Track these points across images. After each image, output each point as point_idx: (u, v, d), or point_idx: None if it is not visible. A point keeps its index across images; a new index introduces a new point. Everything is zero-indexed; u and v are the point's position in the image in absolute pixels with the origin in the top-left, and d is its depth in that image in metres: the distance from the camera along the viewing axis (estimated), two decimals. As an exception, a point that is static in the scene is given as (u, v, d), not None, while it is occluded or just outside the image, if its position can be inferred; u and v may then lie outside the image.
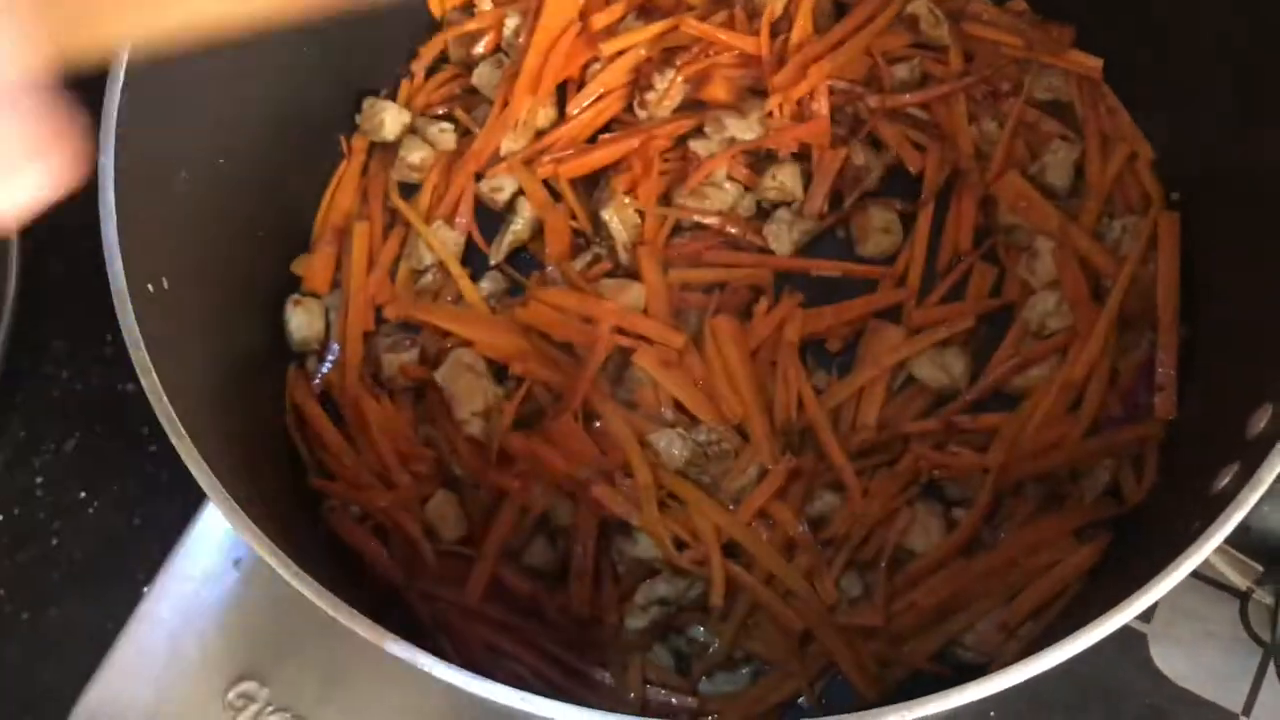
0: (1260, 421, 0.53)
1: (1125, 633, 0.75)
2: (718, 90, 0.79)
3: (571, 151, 0.80)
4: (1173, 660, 0.74)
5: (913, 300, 0.75)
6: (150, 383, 0.56)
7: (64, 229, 0.84)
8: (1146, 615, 0.75)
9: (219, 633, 0.75)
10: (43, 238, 0.85)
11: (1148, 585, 0.47)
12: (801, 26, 0.79)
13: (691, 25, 0.79)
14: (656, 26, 0.80)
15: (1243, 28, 0.65)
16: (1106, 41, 0.77)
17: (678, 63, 0.79)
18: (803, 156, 0.80)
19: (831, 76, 0.78)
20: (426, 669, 0.52)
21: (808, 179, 0.79)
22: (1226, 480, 0.51)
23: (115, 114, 0.60)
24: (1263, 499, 0.49)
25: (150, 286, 0.61)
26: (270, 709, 0.74)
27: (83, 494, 0.81)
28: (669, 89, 0.79)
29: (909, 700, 0.46)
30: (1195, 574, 0.75)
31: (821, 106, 0.79)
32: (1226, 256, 0.69)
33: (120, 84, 0.61)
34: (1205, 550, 0.47)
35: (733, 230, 0.79)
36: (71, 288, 0.85)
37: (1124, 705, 0.74)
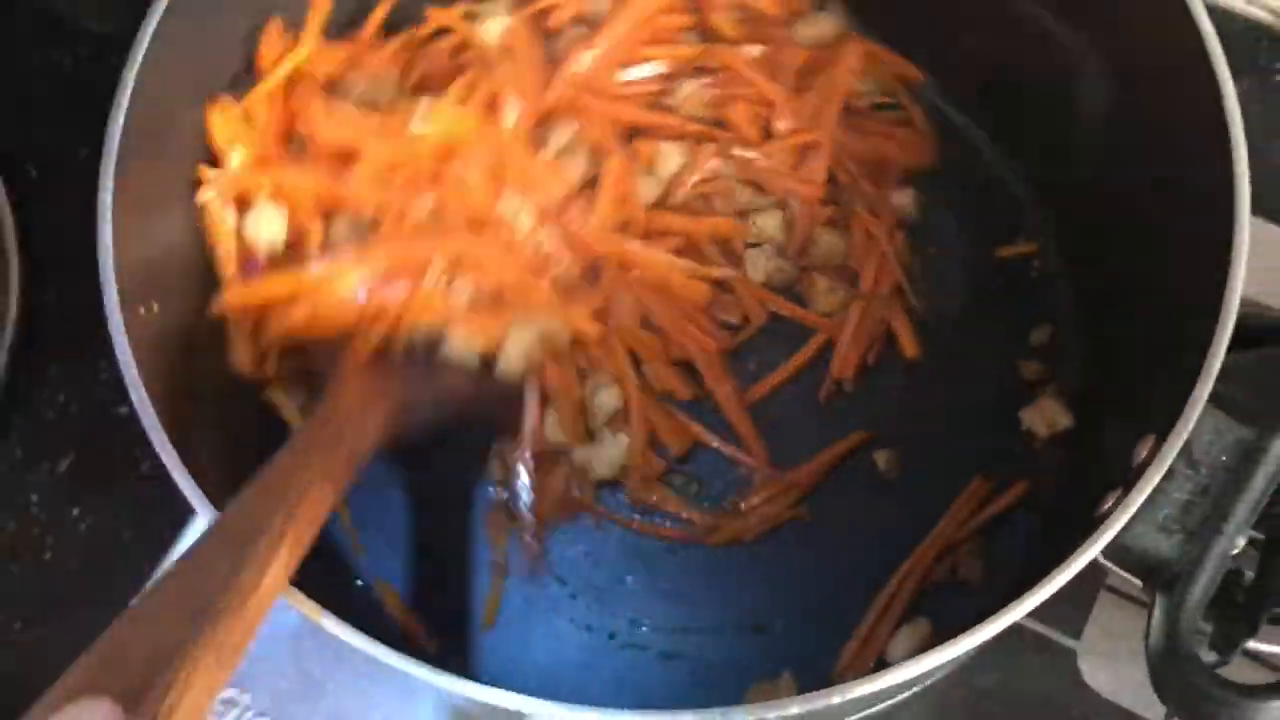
0: (1143, 451, 0.58)
1: (1054, 648, 0.80)
2: (738, 115, 0.84)
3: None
4: (1100, 675, 0.78)
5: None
6: (140, 399, 0.60)
7: (61, 258, 0.91)
8: (1075, 632, 0.80)
9: None
10: (41, 266, 0.90)
11: (1023, 597, 0.52)
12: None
13: (718, 53, 0.84)
14: (687, 51, 0.85)
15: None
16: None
17: (705, 80, 0.84)
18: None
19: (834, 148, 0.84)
20: (416, 675, 0.55)
21: (789, 226, 0.84)
22: (1109, 504, 0.56)
23: (115, 151, 0.64)
24: (1135, 519, 0.54)
25: (141, 310, 0.65)
26: (252, 714, 0.78)
27: (75, 511, 0.85)
28: (691, 95, 0.84)
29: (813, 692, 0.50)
30: (1120, 593, 0.81)
31: (819, 170, 0.84)
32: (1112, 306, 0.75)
33: (121, 122, 0.65)
34: (1075, 567, 0.52)
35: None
36: (68, 314, 0.89)
37: (1053, 719, 0.78)
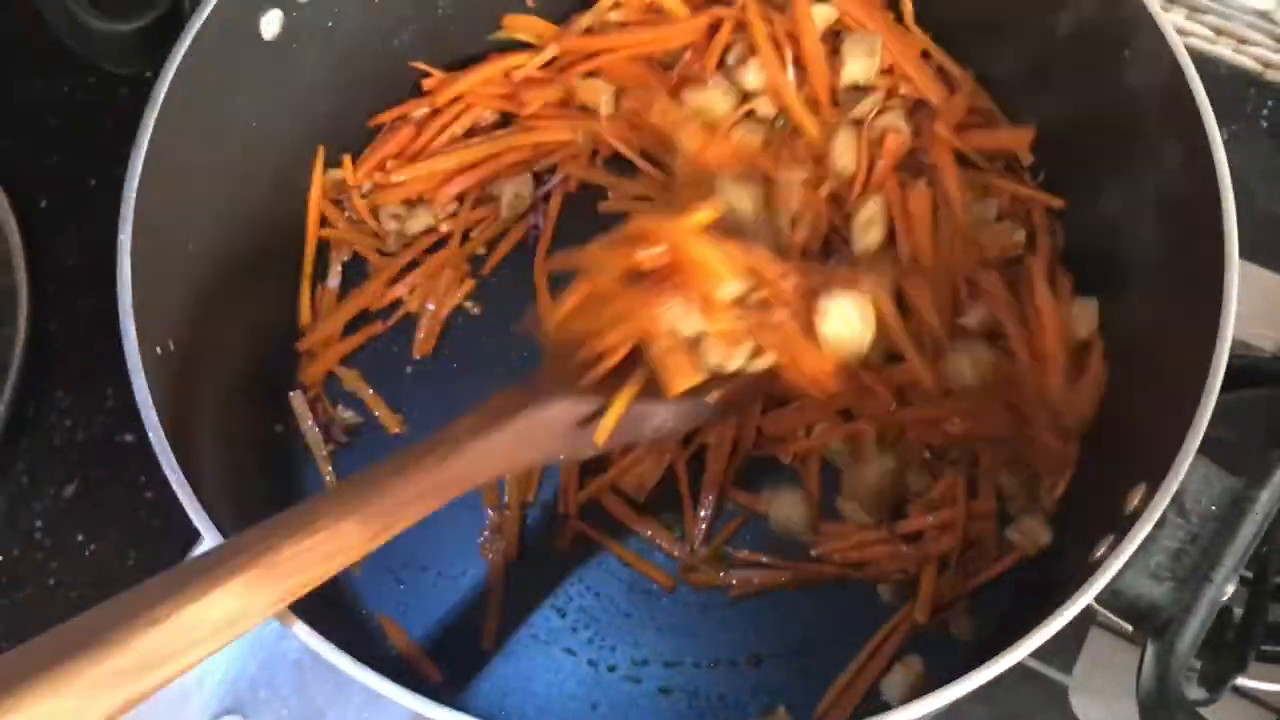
0: (1135, 499, 0.59)
1: (1047, 683, 0.81)
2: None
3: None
4: (1091, 709, 0.79)
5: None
6: (157, 436, 0.61)
7: (69, 288, 0.92)
8: (1067, 666, 0.81)
9: (204, 668, 0.79)
10: (49, 295, 0.91)
11: (1018, 643, 0.54)
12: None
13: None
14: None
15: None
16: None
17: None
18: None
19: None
20: (416, 708, 0.56)
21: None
22: (1103, 550, 0.57)
23: (134, 195, 0.66)
24: (1127, 566, 0.56)
25: (158, 349, 0.66)
26: (253, 741, 0.79)
27: (80, 537, 0.86)
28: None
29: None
30: (1111, 629, 0.82)
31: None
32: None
33: (140, 166, 0.66)
34: (1070, 613, 0.54)
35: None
36: (75, 343, 0.90)
37: (1045, 751, 0.80)
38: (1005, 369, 0.77)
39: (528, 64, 0.88)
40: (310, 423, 0.83)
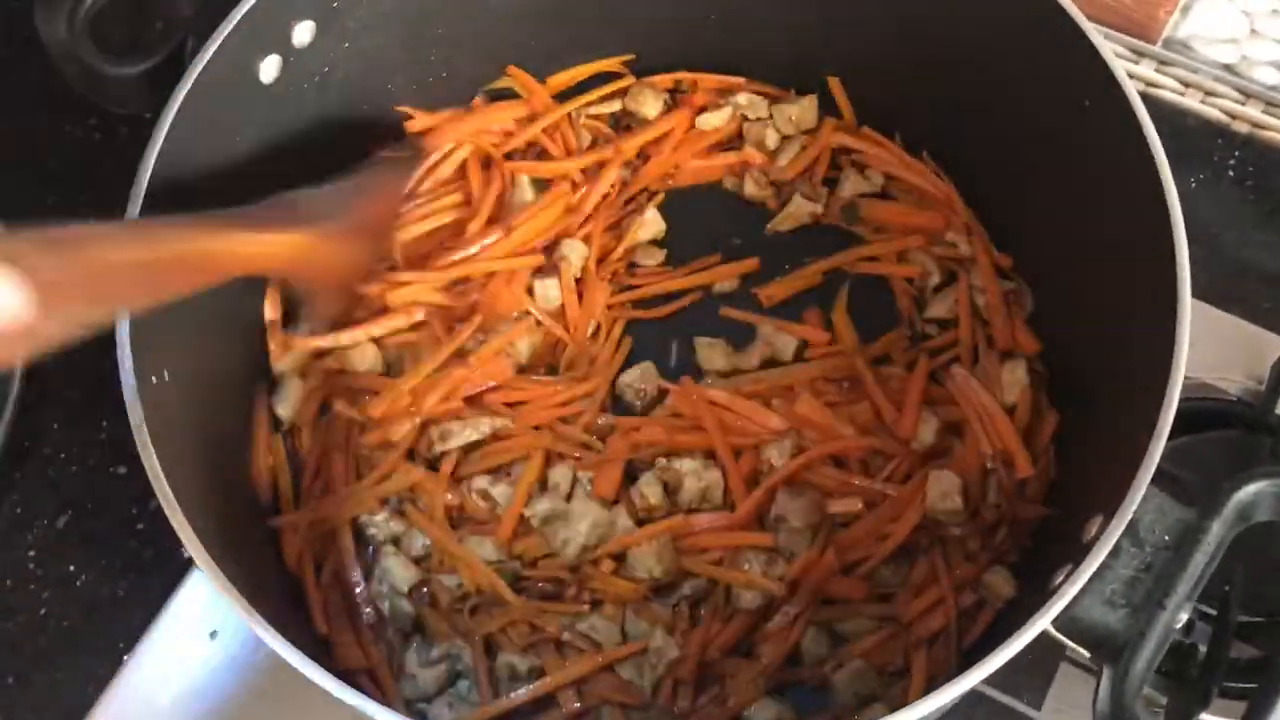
0: (1093, 529, 0.61)
1: (1017, 718, 0.83)
2: None
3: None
4: (1059, 745, 0.82)
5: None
6: (151, 465, 0.62)
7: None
8: (1037, 702, 0.83)
9: (193, 699, 0.81)
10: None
11: (975, 666, 0.56)
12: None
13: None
14: None
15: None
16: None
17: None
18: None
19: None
20: None
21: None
22: (1061, 578, 0.59)
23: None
24: (1083, 593, 0.58)
25: (154, 379, 0.67)
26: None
27: (71, 567, 0.86)
28: None
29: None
30: (1079, 665, 0.84)
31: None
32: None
33: (139, 203, 0.68)
34: (1027, 637, 0.56)
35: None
36: (71, 375, 0.92)
37: (1014, 785, 0.81)
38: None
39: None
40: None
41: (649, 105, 0.92)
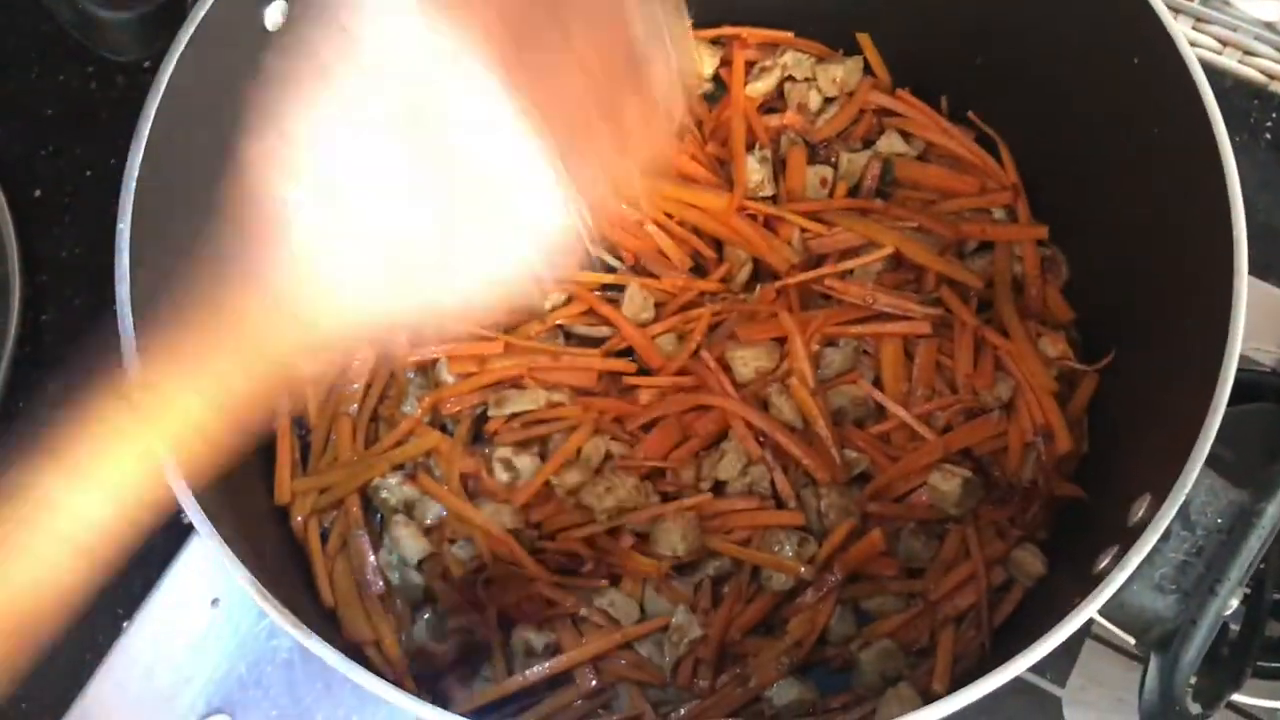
0: (1139, 509, 0.59)
1: (1041, 695, 0.81)
2: None
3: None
4: (1085, 722, 0.80)
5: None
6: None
7: (63, 278, 0.91)
8: (1061, 679, 0.81)
9: (193, 667, 0.79)
10: (43, 285, 0.90)
11: (1021, 654, 0.53)
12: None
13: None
14: None
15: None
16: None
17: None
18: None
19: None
20: (403, 706, 0.55)
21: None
22: (1106, 561, 0.57)
23: (134, 184, 0.65)
24: (1132, 578, 0.55)
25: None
26: (243, 740, 0.79)
27: None
28: None
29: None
30: (1108, 643, 0.82)
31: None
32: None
33: (140, 155, 0.65)
34: (1073, 624, 0.53)
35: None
36: (70, 333, 0.89)
37: (1039, 765, 0.79)
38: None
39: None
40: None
41: (704, 63, 0.88)
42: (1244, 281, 0.62)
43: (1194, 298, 0.65)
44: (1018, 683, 0.79)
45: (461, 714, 0.55)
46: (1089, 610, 0.54)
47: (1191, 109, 0.66)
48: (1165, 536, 0.57)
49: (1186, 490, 0.56)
